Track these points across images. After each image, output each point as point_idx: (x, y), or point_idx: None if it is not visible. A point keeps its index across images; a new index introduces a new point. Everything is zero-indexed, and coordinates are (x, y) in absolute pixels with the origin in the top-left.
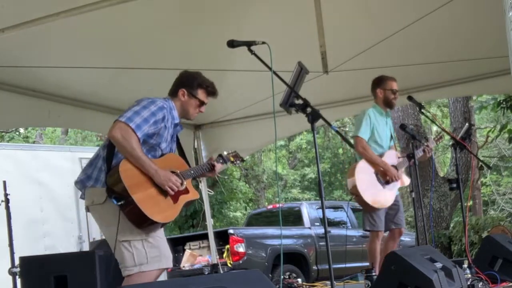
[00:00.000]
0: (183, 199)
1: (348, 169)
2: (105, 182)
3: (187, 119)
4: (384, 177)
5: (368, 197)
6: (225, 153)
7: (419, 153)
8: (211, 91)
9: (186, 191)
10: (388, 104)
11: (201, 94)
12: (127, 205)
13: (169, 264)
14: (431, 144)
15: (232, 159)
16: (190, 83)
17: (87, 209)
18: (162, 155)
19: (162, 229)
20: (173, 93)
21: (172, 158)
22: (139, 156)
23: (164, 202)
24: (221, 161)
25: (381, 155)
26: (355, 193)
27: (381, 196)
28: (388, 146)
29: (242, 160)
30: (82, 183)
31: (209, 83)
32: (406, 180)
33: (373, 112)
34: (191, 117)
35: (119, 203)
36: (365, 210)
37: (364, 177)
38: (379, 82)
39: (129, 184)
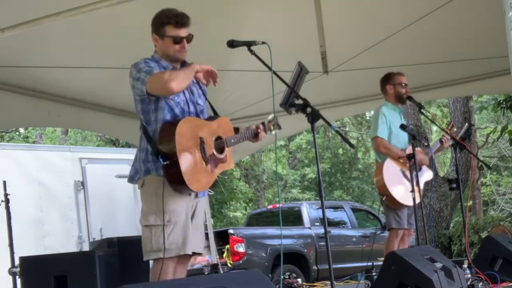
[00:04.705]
0: (221, 167)
1: (375, 168)
2: (155, 144)
3: (180, 61)
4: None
5: (397, 195)
6: (266, 121)
7: (437, 144)
8: (178, 21)
9: (225, 159)
10: (399, 99)
11: (169, 30)
12: (171, 167)
13: (187, 250)
14: (446, 136)
15: (272, 127)
16: (156, 25)
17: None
18: (189, 108)
19: (200, 212)
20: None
21: (223, 122)
22: (182, 75)
23: (203, 170)
24: (263, 129)
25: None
26: (385, 193)
27: (409, 193)
28: (407, 141)
29: (280, 128)
30: (132, 179)
31: (171, 16)
32: (430, 175)
33: (387, 109)
34: (177, 57)
35: (165, 163)
36: (390, 208)
37: (391, 175)
38: (387, 79)
39: (179, 148)
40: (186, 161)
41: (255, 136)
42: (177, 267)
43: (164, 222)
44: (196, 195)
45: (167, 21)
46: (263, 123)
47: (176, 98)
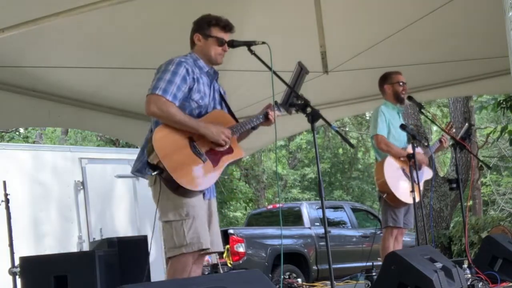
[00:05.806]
0: (226, 160)
1: (375, 166)
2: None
3: (216, 64)
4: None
5: (398, 193)
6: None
7: (436, 144)
8: (225, 25)
9: (229, 150)
10: (398, 98)
11: (215, 31)
12: (162, 174)
13: (207, 245)
14: (446, 136)
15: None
16: (201, 25)
17: None
18: (206, 112)
19: (210, 206)
20: (191, 44)
21: (218, 114)
22: (181, 119)
23: (202, 168)
24: (276, 108)
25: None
26: (385, 191)
27: (409, 192)
28: (406, 140)
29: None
30: (140, 172)
31: (220, 19)
32: (429, 174)
33: (386, 108)
34: (217, 60)
35: (154, 173)
36: (389, 206)
37: (392, 173)
38: (385, 78)
39: (163, 154)
40: (173, 165)
41: (266, 119)
42: (192, 266)
43: (183, 216)
44: (203, 196)
45: (216, 23)
46: (276, 102)
47: (200, 101)
